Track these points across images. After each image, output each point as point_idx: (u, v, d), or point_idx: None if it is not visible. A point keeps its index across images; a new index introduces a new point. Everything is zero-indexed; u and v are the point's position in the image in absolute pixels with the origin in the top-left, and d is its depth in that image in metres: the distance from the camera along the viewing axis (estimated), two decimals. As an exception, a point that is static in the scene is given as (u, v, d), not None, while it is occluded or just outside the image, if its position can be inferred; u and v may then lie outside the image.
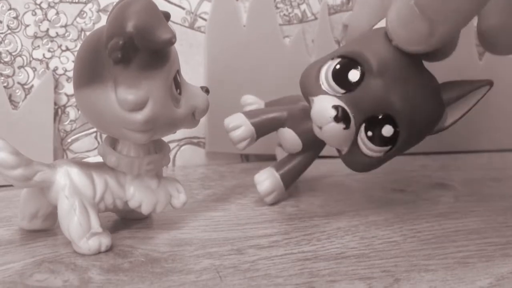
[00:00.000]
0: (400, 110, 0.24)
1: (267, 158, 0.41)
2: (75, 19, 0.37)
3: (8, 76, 0.36)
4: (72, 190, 0.23)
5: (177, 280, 0.21)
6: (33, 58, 0.36)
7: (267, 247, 0.24)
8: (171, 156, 0.40)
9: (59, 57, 0.37)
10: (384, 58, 0.24)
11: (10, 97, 0.36)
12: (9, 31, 0.36)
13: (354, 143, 0.25)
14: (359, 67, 0.25)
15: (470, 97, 0.26)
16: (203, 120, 0.26)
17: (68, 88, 0.37)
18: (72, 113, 0.37)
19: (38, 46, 0.36)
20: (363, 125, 0.25)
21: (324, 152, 0.31)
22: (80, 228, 0.22)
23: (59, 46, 0.37)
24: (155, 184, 0.25)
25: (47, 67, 0.37)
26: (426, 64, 0.26)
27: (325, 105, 0.24)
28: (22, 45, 0.36)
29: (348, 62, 0.25)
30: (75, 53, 0.27)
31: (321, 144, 0.29)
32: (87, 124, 0.38)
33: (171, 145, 0.39)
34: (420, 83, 0.25)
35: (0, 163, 0.21)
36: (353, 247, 0.24)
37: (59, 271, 0.21)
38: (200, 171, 0.39)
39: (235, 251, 0.24)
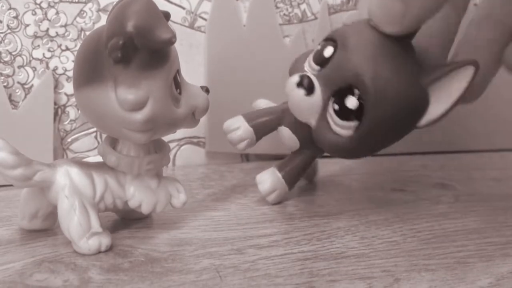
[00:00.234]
0: (365, 81, 0.24)
1: (267, 158, 0.41)
2: (75, 18, 0.37)
3: (8, 76, 0.36)
4: (72, 190, 0.23)
5: (177, 280, 0.21)
6: (33, 58, 0.36)
7: (267, 246, 0.24)
8: (171, 156, 0.40)
9: (59, 57, 0.37)
10: (358, 35, 0.25)
11: (10, 96, 0.36)
12: (9, 31, 0.36)
13: (323, 117, 0.26)
14: (334, 44, 0.26)
15: (453, 77, 0.25)
16: (203, 119, 0.26)
17: (68, 87, 0.37)
18: (72, 112, 0.37)
19: (38, 45, 0.36)
20: (332, 99, 0.25)
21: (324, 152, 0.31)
22: (80, 228, 0.22)
23: (59, 46, 0.37)
24: (155, 184, 0.25)
25: (47, 67, 0.37)
26: None
27: (294, 76, 0.26)
28: (22, 45, 0.36)
29: (328, 41, 0.27)
30: (75, 53, 0.27)
31: None
32: (87, 123, 0.38)
33: (171, 145, 0.39)
34: (395, 63, 0.25)
35: (0, 163, 0.21)
36: (353, 246, 0.24)
37: (59, 271, 0.21)
38: (200, 171, 0.39)
39: (235, 251, 0.24)
